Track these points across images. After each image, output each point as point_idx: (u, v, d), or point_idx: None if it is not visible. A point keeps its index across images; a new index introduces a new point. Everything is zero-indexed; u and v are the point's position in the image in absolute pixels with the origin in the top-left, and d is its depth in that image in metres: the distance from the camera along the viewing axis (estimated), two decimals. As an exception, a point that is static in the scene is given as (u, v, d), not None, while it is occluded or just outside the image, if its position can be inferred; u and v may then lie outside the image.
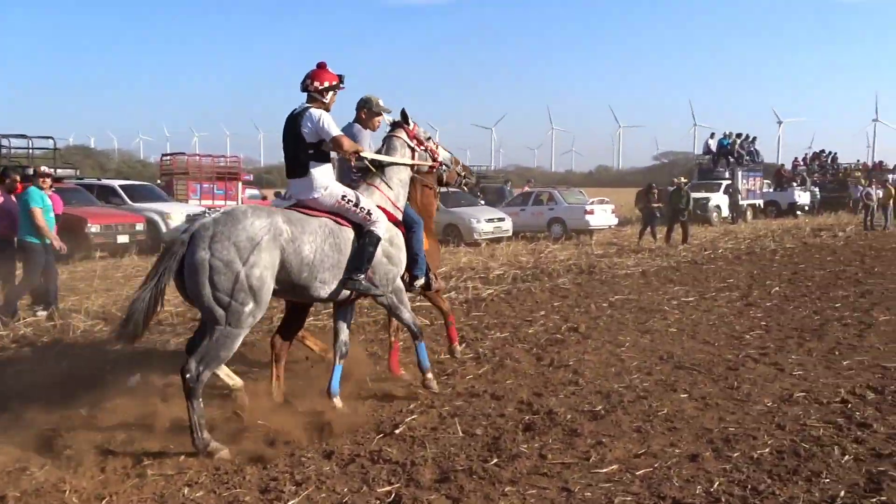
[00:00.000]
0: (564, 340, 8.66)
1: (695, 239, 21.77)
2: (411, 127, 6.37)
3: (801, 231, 25.08)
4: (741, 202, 31.37)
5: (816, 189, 37.87)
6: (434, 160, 6.53)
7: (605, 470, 4.91)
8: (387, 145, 6.28)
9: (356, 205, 5.69)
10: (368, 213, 5.72)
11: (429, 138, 6.56)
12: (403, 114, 6.35)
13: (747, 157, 33.91)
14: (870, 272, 15.13)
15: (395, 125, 6.40)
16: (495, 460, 5.06)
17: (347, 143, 5.59)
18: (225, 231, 5.07)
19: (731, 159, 33.19)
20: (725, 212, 30.67)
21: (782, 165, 42.91)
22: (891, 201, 29.33)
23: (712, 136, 34.41)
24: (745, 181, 32.61)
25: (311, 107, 5.62)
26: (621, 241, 21.70)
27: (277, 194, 6.68)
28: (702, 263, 16.22)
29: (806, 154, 45.82)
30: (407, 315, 6.15)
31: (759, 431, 5.60)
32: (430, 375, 6.44)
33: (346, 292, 5.70)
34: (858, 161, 46.71)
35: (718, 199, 30.23)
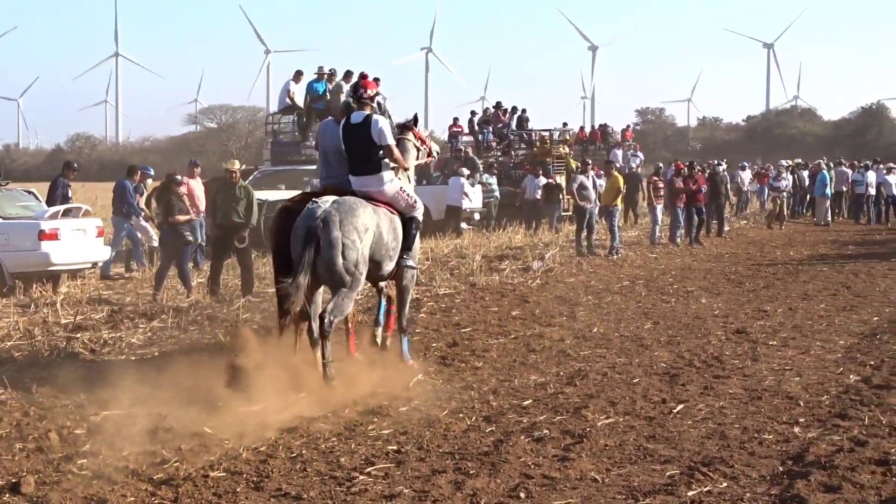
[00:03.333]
0: None
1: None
2: (417, 129, 15.26)
3: (466, 262, 26.87)
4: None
5: (494, 180, 41.45)
6: (429, 154, 16.05)
7: None
8: (400, 147, 14.54)
9: (408, 194, 14.36)
10: (414, 200, 14.44)
11: (428, 136, 16.00)
12: (416, 118, 15.48)
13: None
14: (571, 355, 15.76)
15: (404, 127, 15.16)
16: None
17: (397, 155, 14.22)
18: (349, 218, 13.16)
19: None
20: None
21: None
22: (619, 200, 32.86)
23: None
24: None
25: (372, 114, 14.04)
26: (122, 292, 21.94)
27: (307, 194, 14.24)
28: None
29: (473, 113, 49.86)
30: (409, 300, 15.31)
31: None
32: (412, 362, 14.72)
33: (392, 270, 14.28)
34: (565, 126, 52.25)
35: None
